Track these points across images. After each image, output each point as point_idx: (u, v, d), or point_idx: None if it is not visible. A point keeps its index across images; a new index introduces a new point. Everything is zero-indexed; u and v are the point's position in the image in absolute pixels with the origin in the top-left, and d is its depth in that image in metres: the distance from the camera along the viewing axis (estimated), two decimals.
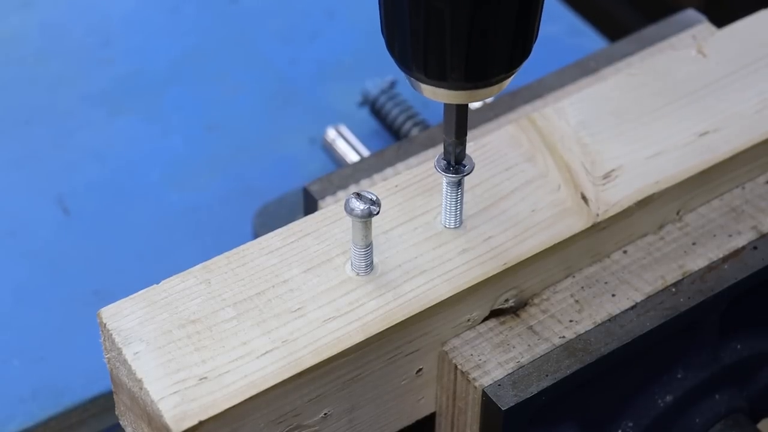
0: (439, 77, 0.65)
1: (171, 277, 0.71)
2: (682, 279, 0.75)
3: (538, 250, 0.73)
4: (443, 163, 0.71)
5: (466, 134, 0.70)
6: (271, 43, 1.18)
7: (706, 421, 0.78)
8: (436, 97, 0.67)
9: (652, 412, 0.76)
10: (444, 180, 0.71)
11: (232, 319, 0.69)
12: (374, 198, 0.68)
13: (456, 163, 0.71)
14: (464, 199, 0.73)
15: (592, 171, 0.76)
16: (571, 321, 0.73)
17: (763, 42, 0.85)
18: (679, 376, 0.77)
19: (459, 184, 0.71)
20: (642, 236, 0.78)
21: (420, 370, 0.72)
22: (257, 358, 0.67)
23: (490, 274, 0.71)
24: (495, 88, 0.66)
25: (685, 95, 0.81)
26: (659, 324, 0.73)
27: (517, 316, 0.74)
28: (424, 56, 0.65)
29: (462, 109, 0.69)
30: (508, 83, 0.67)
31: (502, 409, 0.69)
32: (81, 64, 1.16)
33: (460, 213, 0.73)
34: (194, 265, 0.71)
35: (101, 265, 1.01)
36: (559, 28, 1.16)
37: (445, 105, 0.69)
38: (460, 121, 0.69)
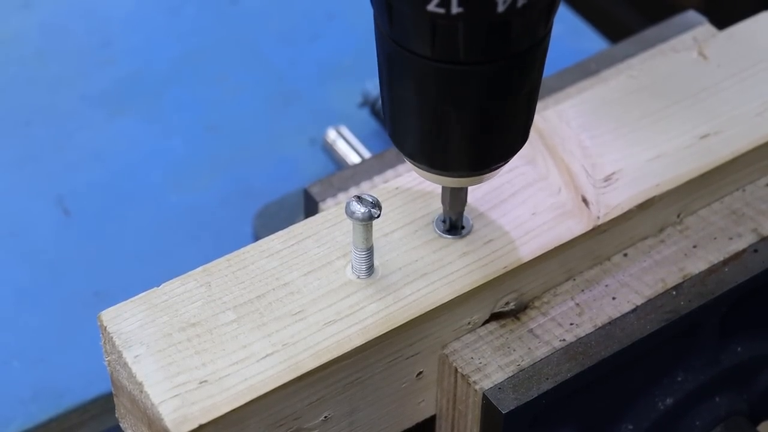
0: (440, 167, 0.68)
1: (171, 280, 0.70)
2: (683, 282, 0.75)
3: (538, 253, 0.73)
4: (442, 225, 0.73)
5: (464, 207, 0.72)
6: (271, 44, 1.18)
7: (707, 424, 0.78)
8: (435, 181, 0.69)
9: (652, 415, 0.76)
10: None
11: (233, 323, 0.68)
12: (375, 201, 0.68)
13: (455, 233, 0.73)
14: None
15: (593, 173, 0.76)
16: (571, 324, 0.73)
17: (764, 44, 0.85)
18: (679, 378, 0.77)
19: None
20: (642, 239, 0.78)
21: (420, 373, 0.72)
22: (258, 362, 0.67)
23: (491, 278, 0.71)
24: (494, 173, 0.69)
25: (686, 97, 0.81)
26: (660, 327, 0.73)
27: (518, 319, 0.74)
28: (425, 150, 0.67)
29: (458, 190, 0.71)
30: (501, 169, 0.69)
31: (503, 412, 0.69)
32: (81, 64, 1.16)
33: None
34: (194, 267, 0.71)
35: (101, 267, 1.01)
36: (560, 29, 1.15)
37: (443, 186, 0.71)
38: (457, 199, 0.71)
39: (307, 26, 1.20)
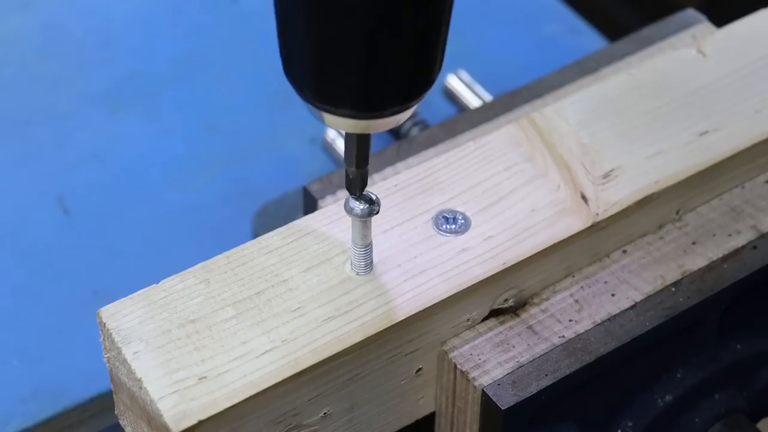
0: (335, 105, 0.61)
1: (170, 277, 0.71)
2: (682, 278, 0.75)
3: (537, 250, 0.73)
4: (441, 221, 0.72)
5: (367, 163, 0.66)
6: (271, 43, 1.17)
7: (706, 421, 0.78)
8: (337, 125, 0.63)
9: (651, 412, 0.76)
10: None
11: (232, 319, 0.69)
12: (374, 197, 0.68)
13: (360, 192, 0.67)
14: (463, 199, 0.74)
15: (592, 170, 0.76)
16: (570, 320, 0.73)
17: (763, 41, 0.85)
18: (678, 375, 0.77)
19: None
20: (641, 236, 0.78)
21: (419, 369, 0.72)
22: (257, 358, 0.67)
23: (490, 274, 0.71)
24: (393, 119, 0.62)
25: (684, 95, 0.81)
26: (659, 324, 0.73)
27: (517, 315, 0.74)
28: (320, 84, 0.61)
29: (363, 138, 0.65)
30: (410, 114, 0.63)
31: (502, 408, 0.69)
32: (81, 64, 1.16)
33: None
34: (194, 265, 0.71)
35: (101, 265, 1.01)
36: (559, 27, 1.16)
37: (346, 133, 0.65)
38: (361, 150, 0.65)
39: None
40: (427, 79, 0.62)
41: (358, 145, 0.65)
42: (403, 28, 0.59)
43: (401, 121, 0.63)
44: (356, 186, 0.67)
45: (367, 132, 0.64)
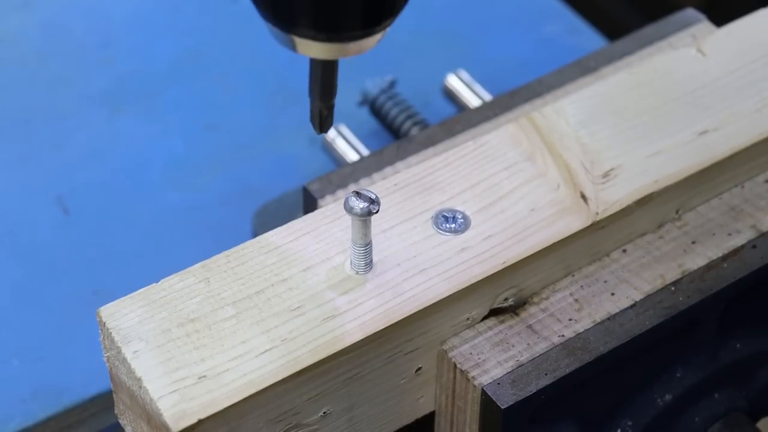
0: (295, 24, 0.61)
1: (170, 276, 0.71)
2: (682, 278, 0.75)
3: (537, 249, 0.73)
4: (441, 220, 0.72)
5: (333, 96, 0.65)
6: (271, 43, 1.17)
7: (706, 420, 0.78)
8: (304, 50, 0.62)
9: (651, 411, 0.76)
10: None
11: (232, 318, 0.69)
12: (373, 197, 0.68)
13: (322, 130, 0.66)
14: (463, 199, 0.74)
15: (592, 170, 0.76)
16: (570, 320, 0.73)
17: (762, 41, 0.85)
18: (678, 375, 0.77)
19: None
20: (641, 235, 0.78)
21: (419, 368, 0.72)
22: (256, 357, 0.67)
23: (490, 273, 0.71)
24: (356, 46, 0.61)
25: (684, 94, 0.81)
26: (658, 323, 0.73)
27: (517, 314, 0.74)
28: (309, 7, 0.60)
29: (328, 67, 0.64)
30: (374, 42, 0.62)
31: (502, 407, 0.69)
32: (81, 64, 1.16)
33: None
34: (194, 265, 0.71)
35: (101, 265, 1.01)
36: (559, 27, 1.16)
37: (311, 60, 0.64)
38: (326, 80, 0.64)
39: None
40: (390, 7, 0.61)
41: (324, 73, 0.64)
42: None
43: (365, 50, 0.62)
44: (317, 121, 0.66)
45: (331, 58, 0.63)
